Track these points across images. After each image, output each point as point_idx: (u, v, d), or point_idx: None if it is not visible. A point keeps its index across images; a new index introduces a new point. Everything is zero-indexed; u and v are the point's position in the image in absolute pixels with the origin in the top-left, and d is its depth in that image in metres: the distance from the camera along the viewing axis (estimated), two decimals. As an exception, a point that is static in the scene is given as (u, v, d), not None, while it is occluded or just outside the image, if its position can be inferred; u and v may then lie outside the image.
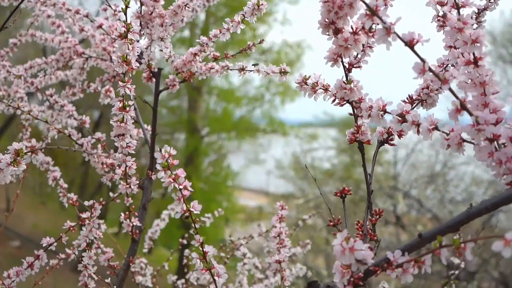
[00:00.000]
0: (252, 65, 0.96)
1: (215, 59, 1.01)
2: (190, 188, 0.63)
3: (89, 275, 0.95)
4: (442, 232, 0.50)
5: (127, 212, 0.98)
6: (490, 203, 0.50)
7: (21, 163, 0.70)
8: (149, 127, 1.15)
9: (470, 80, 0.56)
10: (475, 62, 0.55)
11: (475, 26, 0.74)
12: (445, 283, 1.06)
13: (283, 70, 0.93)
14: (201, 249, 0.66)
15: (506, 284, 5.88)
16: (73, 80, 1.22)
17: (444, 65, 0.71)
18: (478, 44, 0.54)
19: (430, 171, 6.94)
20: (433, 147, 7.36)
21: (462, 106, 0.53)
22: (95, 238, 0.99)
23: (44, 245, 0.94)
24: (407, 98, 0.71)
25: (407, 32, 0.52)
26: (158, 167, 0.62)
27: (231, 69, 0.98)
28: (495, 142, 0.52)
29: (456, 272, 1.07)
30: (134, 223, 0.99)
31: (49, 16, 1.22)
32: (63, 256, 1.12)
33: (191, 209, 0.64)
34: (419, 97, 0.70)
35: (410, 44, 0.52)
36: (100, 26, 1.06)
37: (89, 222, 0.91)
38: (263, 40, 1.01)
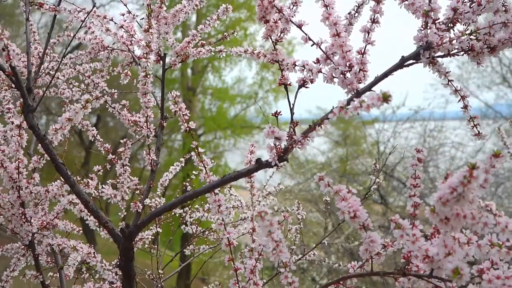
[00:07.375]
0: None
1: (202, 45, 1.50)
2: (188, 114, 1.12)
3: (124, 190, 1.43)
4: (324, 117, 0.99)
5: (147, 150, 1.47)
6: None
7: (88, 107, 1.18)
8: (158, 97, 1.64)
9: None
10: (338, 34, 1.04)
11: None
12: (366, 194, 1.53)
13: (248, 50, 1.41)
14: (196, 150, 1.15)
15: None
16: (102, 66, 1.71)
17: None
18: (338, 25, 1.03)
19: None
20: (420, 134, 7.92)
21: (327, 57, 1.02)
22: (124, 171, 1.48)
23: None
24: (316, 59, 1.20)
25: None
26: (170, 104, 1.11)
27: (213, 52, 1.47)
28: (345, 74, 1.02)
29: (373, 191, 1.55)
30: (153, 158, 1.47)
31: (82, 21, 1.70)
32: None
33: (190, 126, 1.13)
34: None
35: (299, 26, 1.01)
36: (121, 26, 1.54)
37: (124, 153, 1.39)
38: (234, 31, 1.50)
